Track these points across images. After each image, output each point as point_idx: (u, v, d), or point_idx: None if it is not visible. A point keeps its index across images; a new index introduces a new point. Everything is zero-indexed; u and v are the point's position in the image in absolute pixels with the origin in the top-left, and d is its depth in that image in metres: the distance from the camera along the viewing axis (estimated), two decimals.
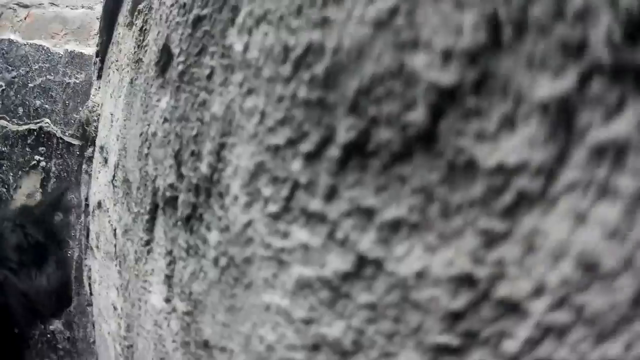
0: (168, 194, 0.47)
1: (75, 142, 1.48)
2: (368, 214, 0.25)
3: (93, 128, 1.23)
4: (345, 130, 0.26)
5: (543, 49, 0.18)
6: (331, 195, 0.27)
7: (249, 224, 0.33)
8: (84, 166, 1.34)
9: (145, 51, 0.61)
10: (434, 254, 0.22)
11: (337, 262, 0.27)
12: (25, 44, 1.68)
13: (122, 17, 0.95)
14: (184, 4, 0.45)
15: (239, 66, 0.34)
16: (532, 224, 0.19)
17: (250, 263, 0.33)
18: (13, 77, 1.70)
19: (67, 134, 1.53)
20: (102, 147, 1.07)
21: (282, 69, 0.30)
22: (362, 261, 0.25)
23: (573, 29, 0.17)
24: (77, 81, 1.53)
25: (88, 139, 1.31)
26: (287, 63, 0.30)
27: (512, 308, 0.19)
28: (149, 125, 0.55)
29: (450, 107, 0.21)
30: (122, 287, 0.73)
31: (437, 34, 0.22)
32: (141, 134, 0.59)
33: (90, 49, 1.47)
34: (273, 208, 0.31)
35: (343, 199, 0.26)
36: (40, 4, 1.72)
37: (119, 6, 1.02)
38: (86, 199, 1.32)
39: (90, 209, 1.21)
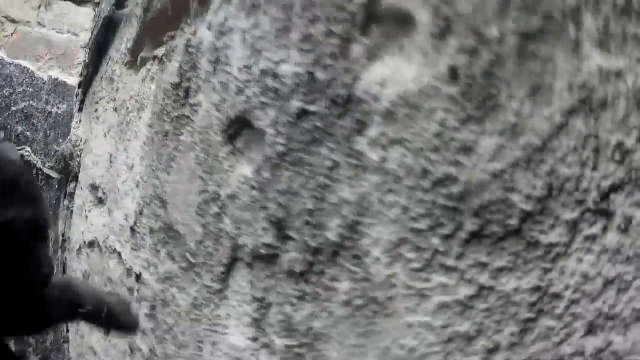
0: (263, 251, 0.57)
1: (55, 175, 1.41)
2: (484, 265, 0.52)
3: (76, 163, 1.02)
4: (470, 225, 0.52)
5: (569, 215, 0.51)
6: (460, 256, 0.53)
7: (392, 276, 0.53)
8: (65, 201, 1.28)
9: (196, 111, 0.63)
10: (521, 280, 0.52)
11: (466, 290, 0.52)
12: (10, 64, 1.57)
13: (118, 54, 0.84)
14: (275, 89, 0.57)
15: (374, 171, 0.54)
16: (562, 264, 0.51)
17: (392, 300, 0.53)
18: None
19: (47, 165, 1.45)
20: (95, 187, 0.96)
21: (423, 183, 0.53)
22: (482, 288, 0.52)
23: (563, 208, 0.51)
24: (60, 111, 1.45)
25: (70, 174, 1.26)
26: (427, 180, 0.53)
27: (557, 297, 0.51)
28: (218, 186, 0.61)
29: (529, 219, 0.52)
30: (155, 329, 0.70)
31: (523, 189, 0.52)
32: (202, 192, 0.62)
33: (73, 79, 1.45)
34: (416, 265, 0.53)
35: (468, 258, 0.52)
36: (28, 22, 1.67)
37: (111, 41, 0.87)
38: (63, 235, 1.25)
39: (74, 246, 0.99)
